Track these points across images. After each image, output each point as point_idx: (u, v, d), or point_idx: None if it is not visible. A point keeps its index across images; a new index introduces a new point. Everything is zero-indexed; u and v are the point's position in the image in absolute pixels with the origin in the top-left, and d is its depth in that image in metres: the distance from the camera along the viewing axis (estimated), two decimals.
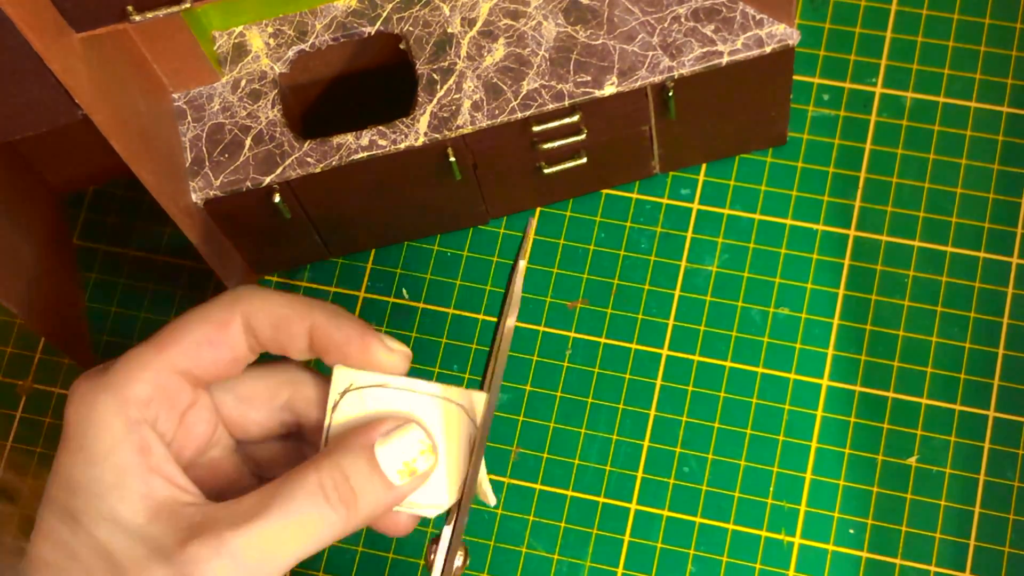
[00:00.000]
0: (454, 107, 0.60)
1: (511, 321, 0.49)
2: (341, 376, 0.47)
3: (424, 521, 0.63)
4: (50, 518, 0.44)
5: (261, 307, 0.47)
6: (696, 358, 0.65)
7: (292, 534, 0.44)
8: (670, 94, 0.61)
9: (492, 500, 0.49)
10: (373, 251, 0.68)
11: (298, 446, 0.51)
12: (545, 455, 0.64)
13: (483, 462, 0.48)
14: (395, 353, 0.47)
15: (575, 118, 0.61)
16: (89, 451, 0.44)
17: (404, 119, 0.60)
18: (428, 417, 0.47)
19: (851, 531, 0.61)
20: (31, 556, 0.44)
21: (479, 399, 0.48)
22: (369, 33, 0.62)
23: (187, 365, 0.46)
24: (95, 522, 0.43)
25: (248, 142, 0.61)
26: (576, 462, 0.64)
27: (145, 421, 0.45)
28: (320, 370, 0.49)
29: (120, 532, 0.43)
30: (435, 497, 0.47)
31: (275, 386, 0.49)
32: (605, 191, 0.68)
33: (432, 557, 0.47)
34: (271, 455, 0.51)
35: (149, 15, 0.52)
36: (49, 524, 0.44)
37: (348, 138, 0.60)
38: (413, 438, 0.46)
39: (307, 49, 0.62)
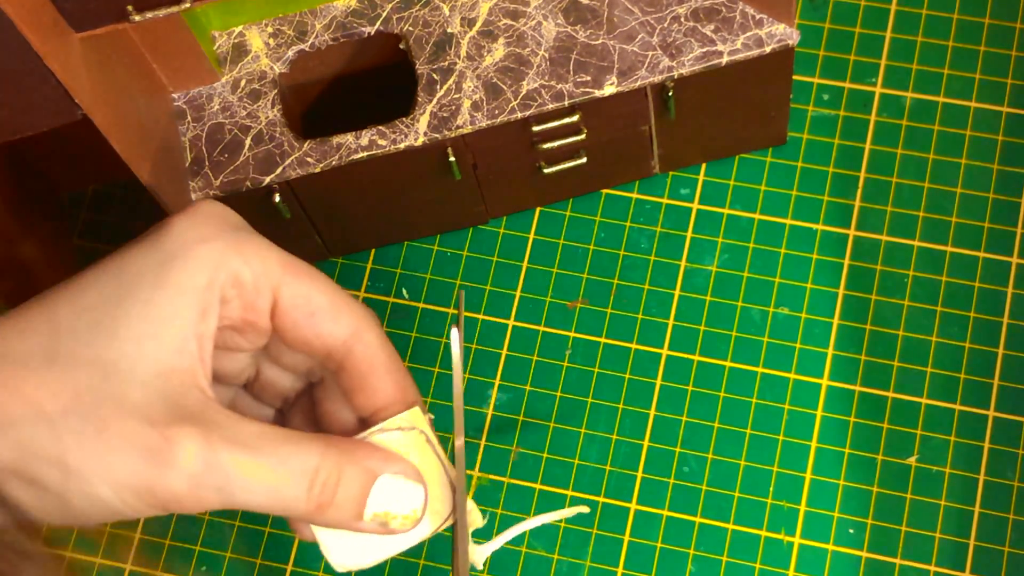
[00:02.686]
0: (454, 107, 0.60)
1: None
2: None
3: None
4: (84, 288, 0.43)
5: (368, 342, 0.47)
6: (696, 358, 0.65)
7: (262, 487, 0.43)
8: (670, 94, 0.61)
9: (480, 523, 0.49)
10: (373, 251, 0.68)
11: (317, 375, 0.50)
12: (545, 455, 0.64)
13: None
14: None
15: (575, 118, 0.61)
16: (163, 273, 0.43)
17: (404, 119, 0.60)
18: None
19: (851, 531, 0.61)
20: (29, 311, 0.42)
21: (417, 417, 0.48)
22: (369, 33, 0.62)
23: (288, 306, 0.46)
24: (116, 335, 0.42)
25: (248, 142, 0.61)
26: (576, 462, 0.64)
27: (223, 299, 0.44)
28: None
29: (128, 363, 0.42)
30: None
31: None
32: (605, 191, 0.68)
33: None
34: (294, 363, 0.50)
35: (149, 15, 0.52)
36: (75, 296, 0.43)
37: (348, 138, 0.60)
38: (411, 498, 0.46)
39: (307, 49, 0.62)
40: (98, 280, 0.43)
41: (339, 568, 0.47)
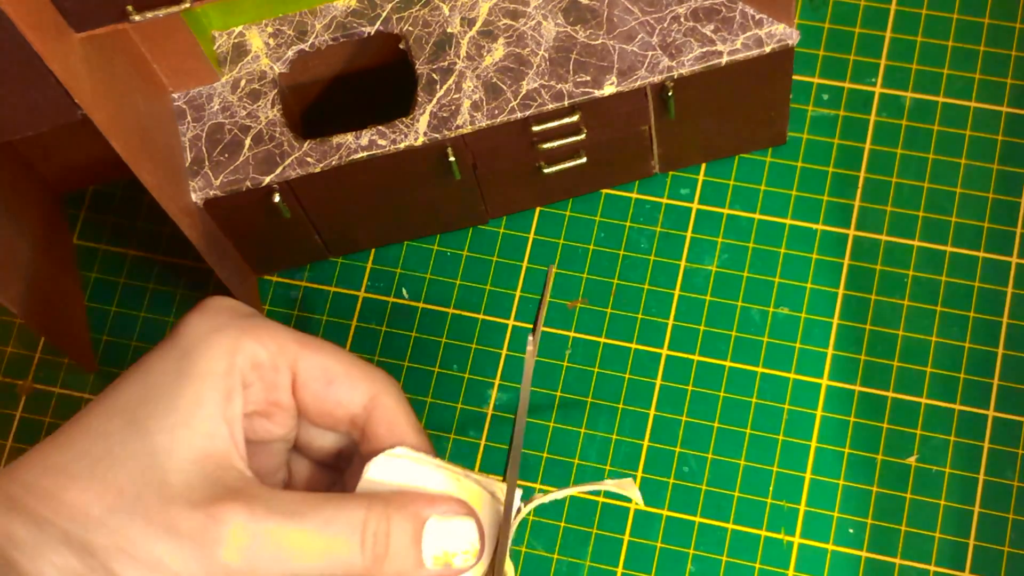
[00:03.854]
0: (454, 107, 0.60)
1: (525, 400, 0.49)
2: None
3: None
4: (117, 406, 0.43)
5: (385, 403, 0.47)
6: (696, 358, 0.65)
7: (313, 550, 0.43)
8: (670, 94, 0.61)
9: None
10: (373, 251, 0.68)
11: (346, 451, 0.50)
12: (545, 455, 0.64)
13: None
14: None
15: (575, 118, 0.61)
16: (184, 365, 0.44)
17: (404, 119, 0.60)
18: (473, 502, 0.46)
19: (851, 531, 0.61)
20: (76, 427, 0.43)
21: (500, 488, 0.47)
22: (369, 33, 0.62)
23: (307, 378, 0.46)
24: (148, 430, 0.42)
25: (248, 142, 0.61)
26: (576, 462, 0.64)
27: (245, 383, 0.44)
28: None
29: (164, 453, 0.42)
30: None
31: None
32: (605, 191, 0.68)
33: None
34: (322, 445, 0.50)
35: (149, 15, 0.52)
36: (110, 411, 0.43)
37: (348, 138, 0.60)
38: (465, 533, 0.45)
39: (307, 49, 0.62)
40: (124, 386, 0.44)
41: None
